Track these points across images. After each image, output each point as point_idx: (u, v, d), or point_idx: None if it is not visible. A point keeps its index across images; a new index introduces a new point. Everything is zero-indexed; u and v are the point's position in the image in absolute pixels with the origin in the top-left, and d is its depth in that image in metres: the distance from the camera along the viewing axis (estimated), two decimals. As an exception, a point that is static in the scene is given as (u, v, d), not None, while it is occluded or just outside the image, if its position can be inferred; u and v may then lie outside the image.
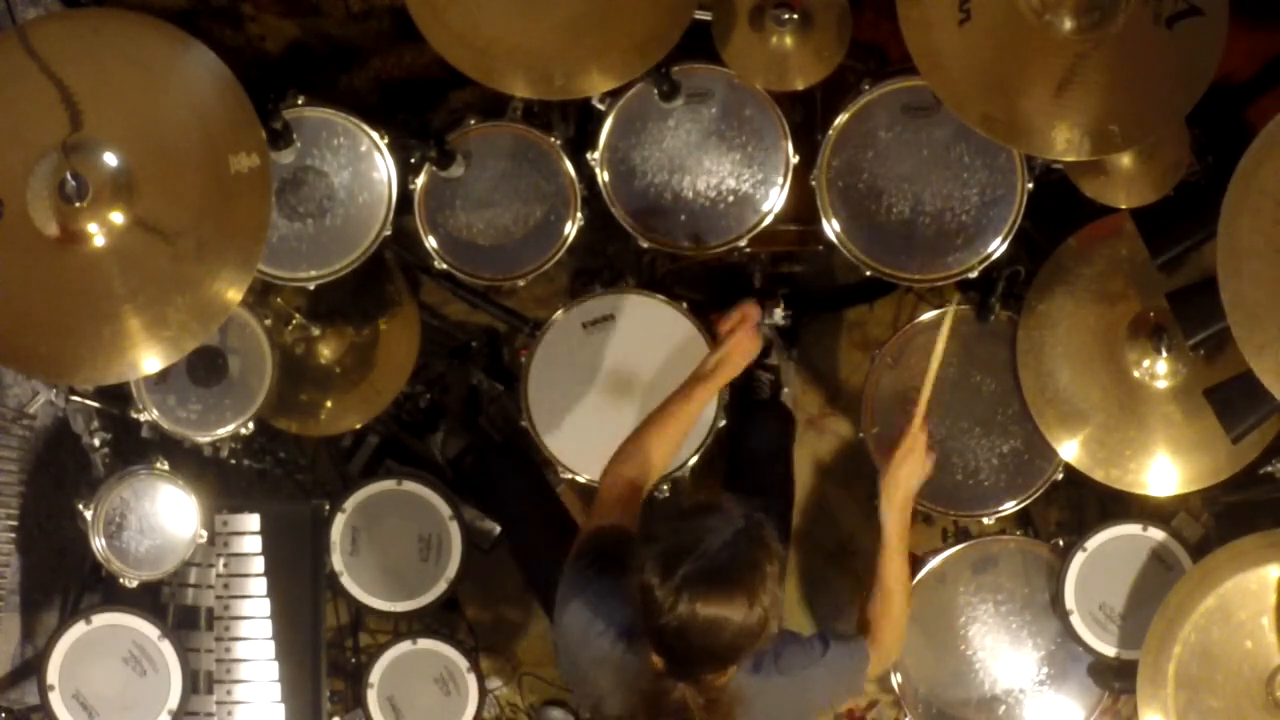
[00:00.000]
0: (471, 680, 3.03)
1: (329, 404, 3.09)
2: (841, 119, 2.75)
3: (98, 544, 2.85)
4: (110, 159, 2.29)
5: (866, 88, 2.75)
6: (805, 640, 2.27)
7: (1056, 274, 2.80)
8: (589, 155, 2.80)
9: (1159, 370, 2.73)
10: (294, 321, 3.03)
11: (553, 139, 2.83)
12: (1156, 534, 2.82)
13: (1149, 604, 2.69)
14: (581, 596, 2.17)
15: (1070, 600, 2.84)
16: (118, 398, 2.97)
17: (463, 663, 3.03)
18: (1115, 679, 2.86)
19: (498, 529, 3.26)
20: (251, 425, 2.89)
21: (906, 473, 2.55)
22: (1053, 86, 2.37)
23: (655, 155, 2.82)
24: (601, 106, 2.78)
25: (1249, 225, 2.21)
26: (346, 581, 2.99)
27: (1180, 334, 2.65)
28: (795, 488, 3.02)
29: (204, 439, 2.90)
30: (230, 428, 2.88)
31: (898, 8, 2.40)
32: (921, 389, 2.61)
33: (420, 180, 2.83)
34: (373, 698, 3.06)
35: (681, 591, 1.91)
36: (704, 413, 2.82)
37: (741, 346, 2.62)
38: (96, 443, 2.98)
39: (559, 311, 2.89)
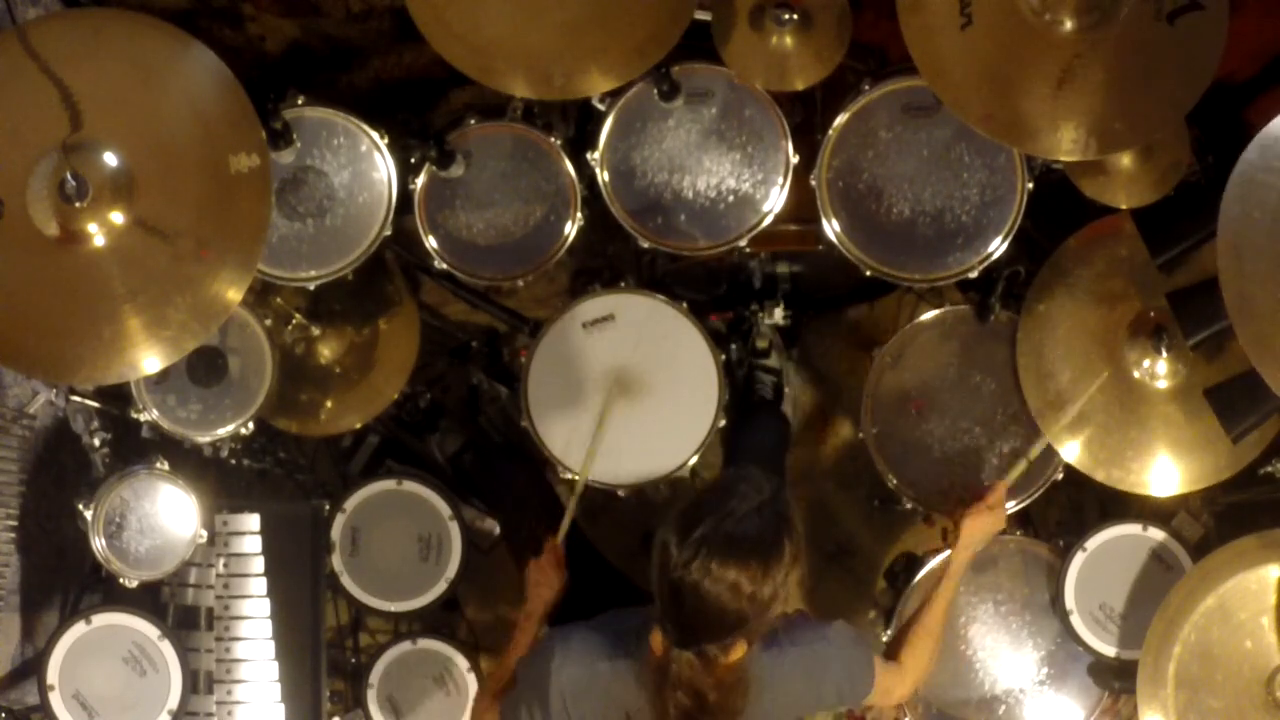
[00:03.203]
0: (471, 680, 3.03)
1: (329, 404, 3.09)
2: (841, 119, 2.75)
3: (98, 544, 2.85)
4: (110, 159, 2.29)
5: (866, 88, 2.75)
6: (814, 620, 2.28)
7: (1056, 274, 2.81)
8: (589, 155, 2.80)
9: (1159, 370, 2.73)
10: (294, 321, 3.03)
11: (553, 139, 2.83)
12: (1156, 534, 2.83)
13: (1149, 604, 2.69)
14: (557, 660, 2.15)
15: (1070, 600, 2.84)
16: (118, 398, 2.97)
17: (463, 663, 3.03)
18: (1115, 679, 2.86)
19: (498, 529, 3.26)
20: (251, 425, 2.90)
21: (985, 520, 2.66)
22: (1055, 86, 2.37)
23: (655, 155, 2.82)
24: (601, 106, 2.78)
25: (1249, 225, 2.21)
26: (346, 581, 2.99)
27: (1180, 334, 2.65)
28: (789, 489, 3.02)
29: (204, 439, 2.90)
30: (230, 428, 2.88)
31: (899, 15, 2.40)
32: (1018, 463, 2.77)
33: (420, 180, 2.83)
34: (373, 698, 3.06)
35: (699, 549, 1.91)
36: (704, 412, 2.82)
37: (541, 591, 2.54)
38: (96, 443, 2.98)
39: (559, 311, 2.89)
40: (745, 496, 1.97)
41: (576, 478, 2.75)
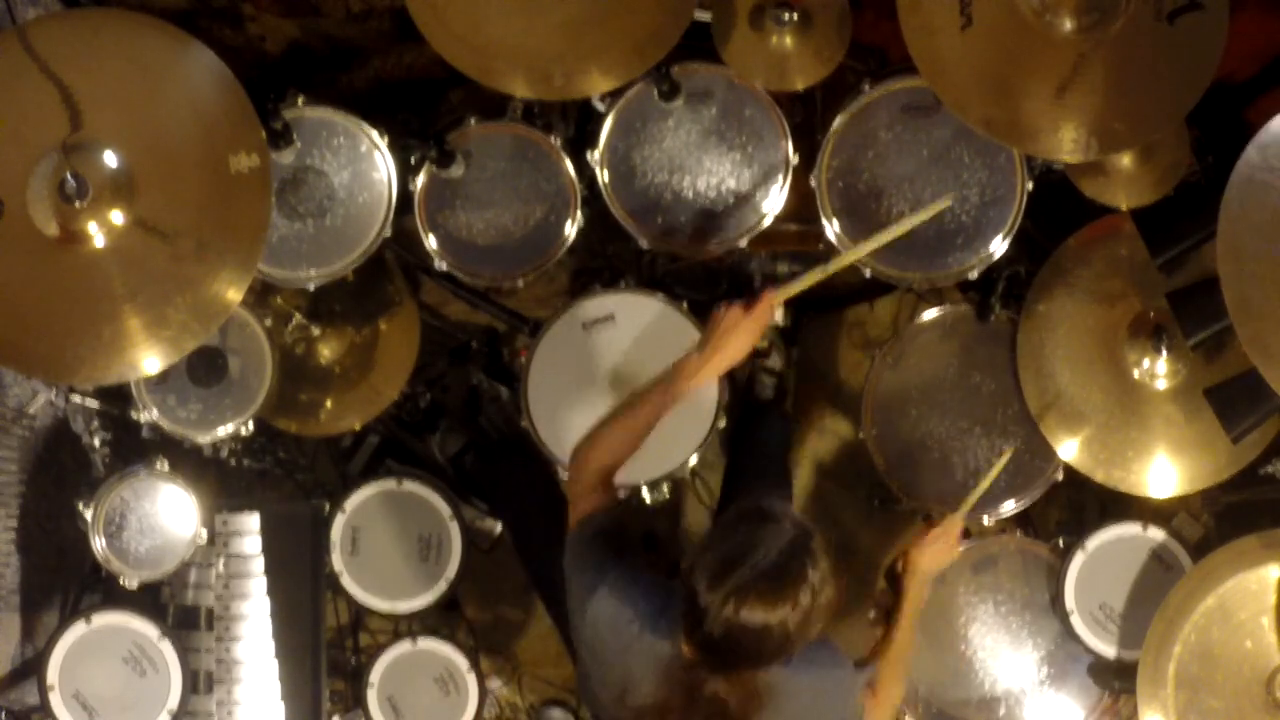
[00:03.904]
0: (471, 680, 3.03)
1: (329, 404, 3.09)
2: (841, 119, 2.75)
3: (98, 544, 2.85)
4: (110, 159, 2.29)
5: (866, 88, 2.75)
6: (835, 648, 2.27)
7: (1056, 274, 2.80)
8: (589, 155, 2.80)
9: (1159, 370, 2.73)
10: (294, 321, 3.03)
11: (553, 139, 2.83)
12: (1156, 534, 2.82)
13: (1149, 604, 2.69)
14: (605, 584, 2.17)
15: (1070, 600, 2.84)
16: (118, 398, 2.97)
17: (463, 663, 3.03)
18: (1115, 679, 2.86)
19: (498, 529, 3.26)
20: (251, 425, 2.90)
21: (936, 550, 2.60)
22: (1055, 86, 2.37)
23: (655, 155, 2.82)
24: (601, 106, 2.78)
25: (1249, 225, 2.21)
26: (346, 581, 2.99)
27: (1180, 334, 2.65)
28: (793, 489, 3.02)
29: (204, 439, 2.90)
30: (230, 428, 2.88)
31: (899, 15, 2.40)
32: (970, 494, 2.71)
33: (420, 180, 2.83)
34: (373, 698, 3.06)
35: (729, 599, 1.93)
36: (704, 412, 2.82)
37: (734, 337, 2.37)
38: (96, 443, 2.98)
39: (559, 311, 2.89)
40: (768, 541, 1.97)
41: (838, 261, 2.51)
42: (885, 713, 2.46)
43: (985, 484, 2.72)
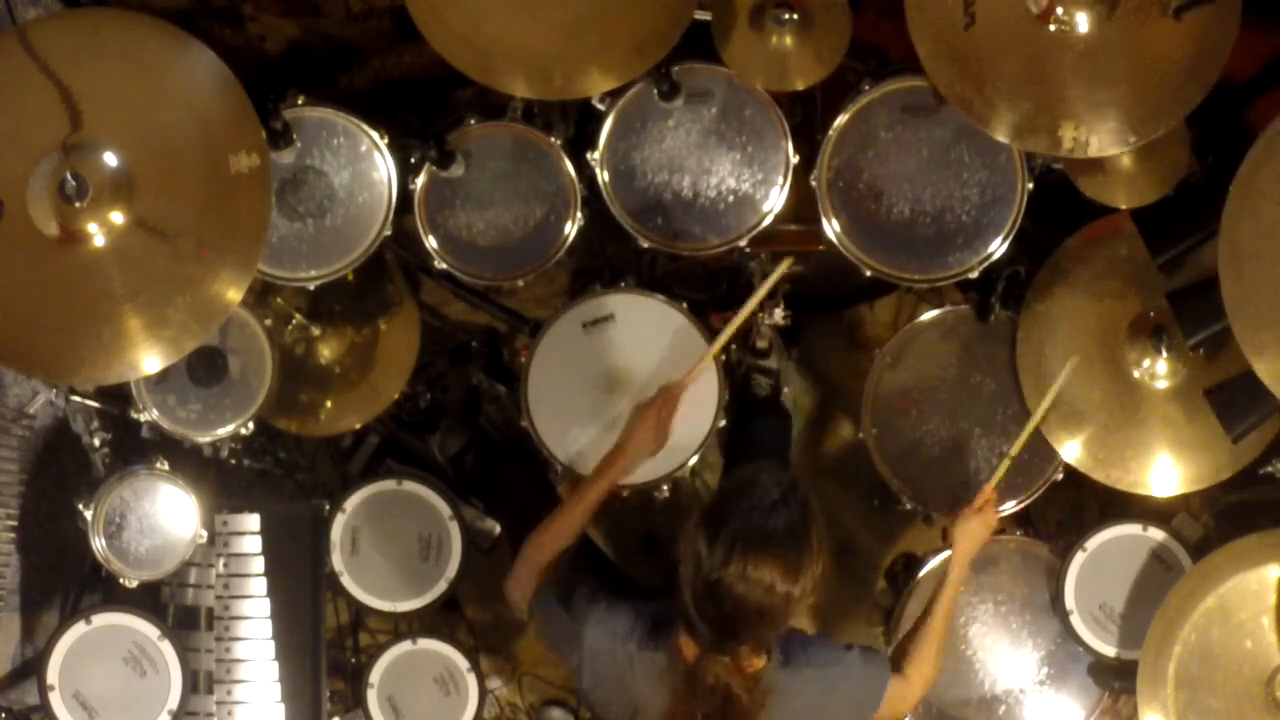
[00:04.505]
0: (471, 680, 3.03)
1: (329, 404, 3.09)
2: (841, 119, 2.75)
3: (98, 544, 2.85)
4: (110, 159, 2.29)
5: (866, 88, 2.75)
6: (832, 642, 2.29)
7: (1056, 274, 2.81)
8: (589, 155, 2.79)
9: (1159, 370, 2.73)
10: (294, 321, 3.03)
11: (553, 139, 2.83)
12: (1156, 534, 2.83)
13: (1149, 604, 2.69)
14: (593, 618, 2.20)
15: (1070, 600, 2.84)
16: (118, 398, 2.97)
17: (463, 663, 3.03)
18: (1115, 679, 2.86)
19: (498, 529, 3.26)
20: (251, 425, 2.90)
21: (979, 523, 2.64)
22: (1061, 84, 2.36)
23: (655, 155, 2.82)
24: (601, 106, 2.78)
25: (1250, 225, 2.21)
26: (346, 581, 2.99)
27: (1180, 334, 2.65)
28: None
29: (204, 439, 2.90)
30: (230, 428, 2.88)
31: (906, 14, 2.40)
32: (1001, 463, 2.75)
33: (420, 180, 2.83)
34: (373, 698, 3.06)
35: (732, 550, 1.93)
36: (704, 412, 2.82)
37: (639, 433, 2.57)
38: (96, 443, 2.98)
39: (559, 311, 2.89)
40: (766, 490, 1.98)
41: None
42: (916, 689, 2.45)
43: (1016, 449, 2.72)
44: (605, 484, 2.51)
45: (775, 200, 2.80)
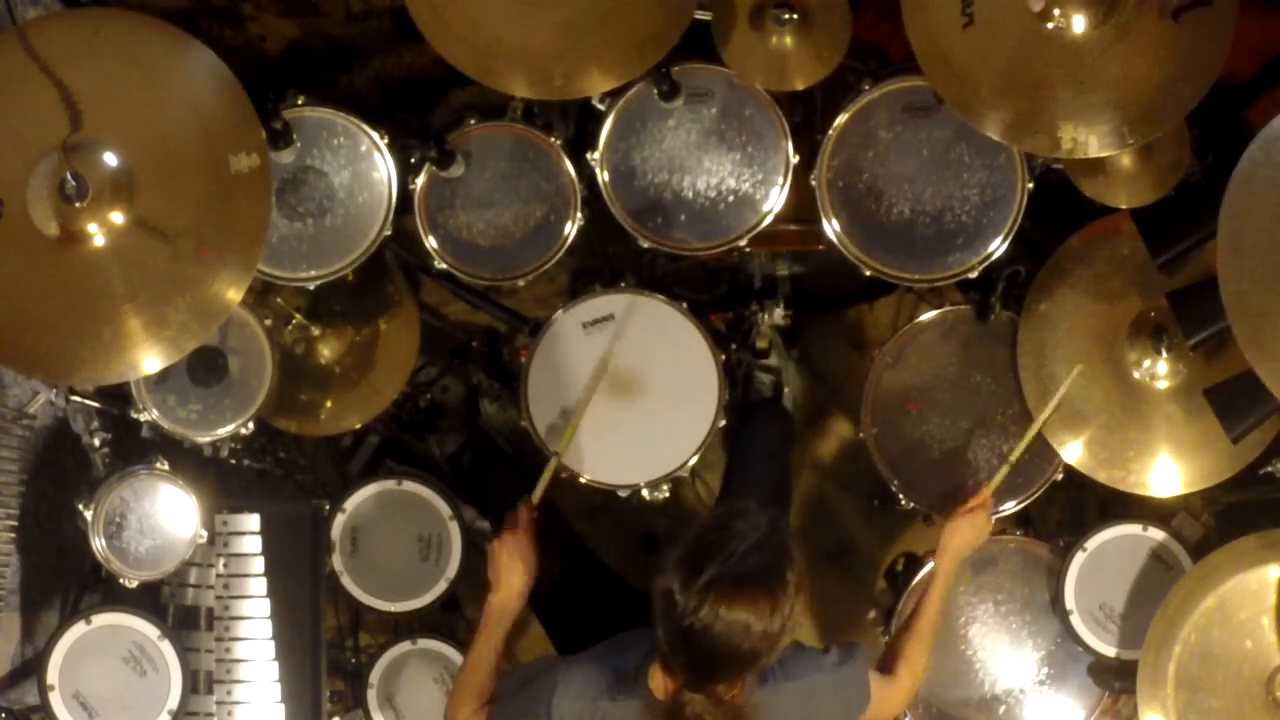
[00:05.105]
0: (471, 680, 3.03)
1: (329, 404, 3.09)
2: (841, 119, 2.75)
3: (98, 544, 2.85)
4: (110, 159, 2.29)
5: (866, 88, 2.75)
6: (810, 649, 2.28)
7: (1056, 274, 2.80)
8: (589, 155, 2.79)
9: (1160, 370, 2.73)
10: (294, 321, 3.03)
11: (553, 139, 2.83)
12: (1156, 534, 2.82)
13: (1149, 604, 2.69)
14: (559, 692, 2.16)
15: (1070, 600, 2.84)
16: (118, 398, 2.97)
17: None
18: (1115, 679, 2.86)
19: (498, 529, 3.26)
20: (251, 425, 2.89)
21: (968, 524, 2.63)
22: (1059, 84, 2.36)
23: (655, 155, 2.82)
24: (601, 106, 2.78)
25: (1249, 225, 2.21)
26: (346, 581, 2.99)
27: (1180, 334, 2.65)
28: (793, 488, 3.02)
29: (204, 439, 2.90)
30: (230, 428, 2.88)
31: (904, 14, 2.40)
32: (1001, 467, 2.76)
33: (420, 180, 2.83)
34: (373, 698, 3.06)
35: (706, 594, 1.91)
36: (704, 411, 2.82)
37: (504, 567, 2.50)
38: (96, 443, 2.98)
39: (559, 311, 2.89)
40: (744, 535, 1.96)
41: (558, 452, 2.71)
42: (905, 683, 2.45)
43: (1015, 455, 2.73)
44: (497, 628, 2.44)
45: (775, 200, 2.80)
